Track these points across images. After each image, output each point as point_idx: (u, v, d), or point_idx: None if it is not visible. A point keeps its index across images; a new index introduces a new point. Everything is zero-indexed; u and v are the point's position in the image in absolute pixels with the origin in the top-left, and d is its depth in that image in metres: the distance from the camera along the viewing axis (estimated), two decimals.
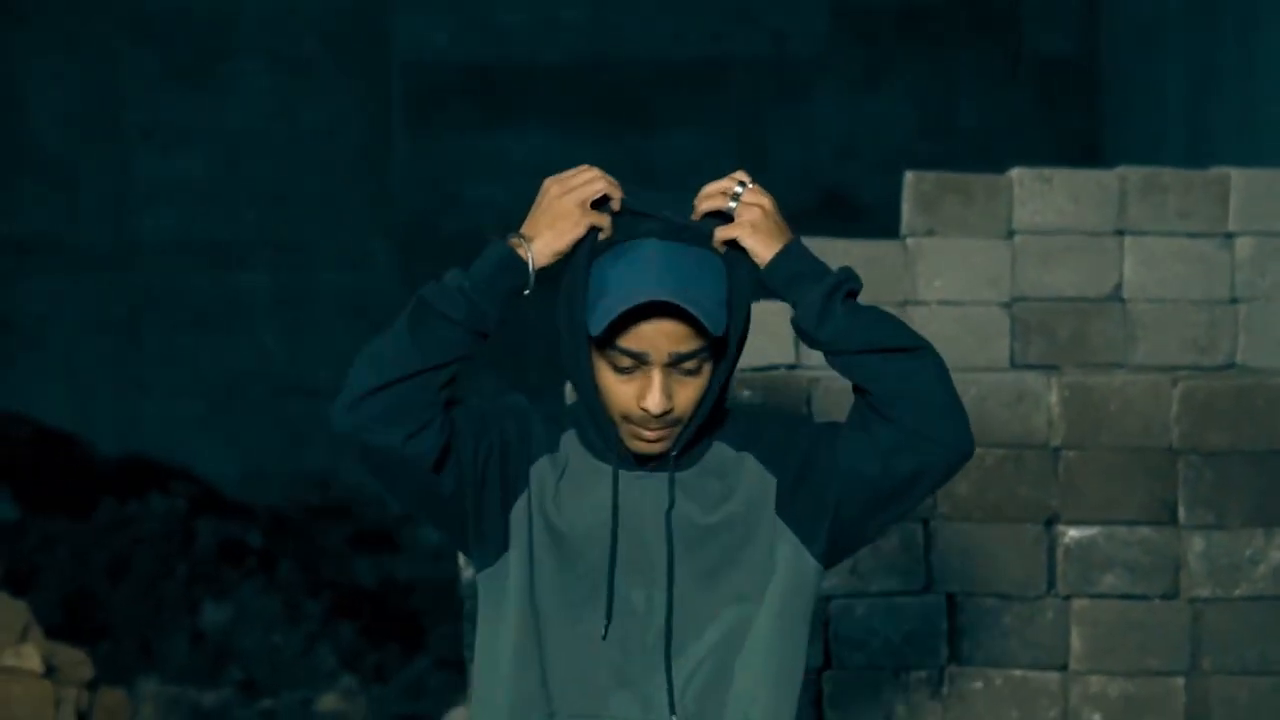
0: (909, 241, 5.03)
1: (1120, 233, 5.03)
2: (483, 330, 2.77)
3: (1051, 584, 4.72)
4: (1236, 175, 5.04)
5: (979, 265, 5.01)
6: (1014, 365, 4.98)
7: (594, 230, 2.78)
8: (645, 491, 2.84)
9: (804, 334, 2.82)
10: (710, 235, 2.79)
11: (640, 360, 2.75)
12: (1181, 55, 9.51)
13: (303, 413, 11.56)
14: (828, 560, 2.89)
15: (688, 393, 2.78)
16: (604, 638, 2.81)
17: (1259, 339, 4.99)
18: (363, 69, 11.71)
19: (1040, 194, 5.03)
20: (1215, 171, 5.09)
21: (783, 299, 2.82)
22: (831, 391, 4.69)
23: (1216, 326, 4.99)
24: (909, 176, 5.08)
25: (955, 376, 2.88)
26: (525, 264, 2.77)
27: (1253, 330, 4.99)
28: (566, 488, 2.85)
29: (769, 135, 11.52)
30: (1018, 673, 4.70)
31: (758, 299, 2.88)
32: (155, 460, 11.29)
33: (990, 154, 9.03)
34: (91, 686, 5.95)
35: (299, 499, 11.23)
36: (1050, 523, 4.74)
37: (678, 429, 2.80)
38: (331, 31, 11.72)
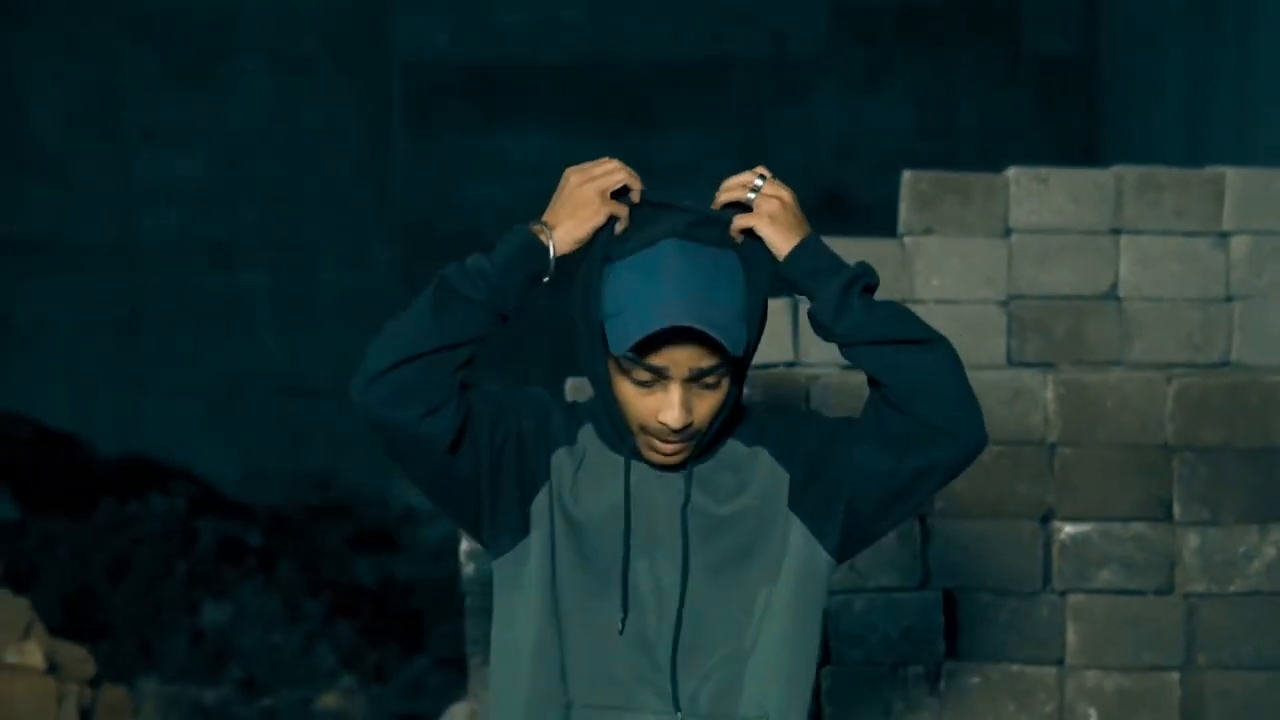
0: (906, 240, 5.05)
1: (1116, 231, 5.04)
2: (502, 312, 2.78)
3: (1047, 580, 4.74)
4: (1232, 174, 5.06)
5: (976, 264, 5.03)
6: (1010, 363, 5.00)
7: (612, 220, 2.80)
8: (660, 486, 2.85)
9: (820, 326, 2.84)
10: (729, 224, 2.81)
11: (660, 375, 2.76)
12: (1181, 56, 9.53)
13: (303, 413, 11.58)
14: (840, 554, 2.91)
15: (706, 405, 2.79)
16: (620, 632, 2.83)
17: (1254, 337, 5.01)
18: (362, 69, 11.72)
19: (1037, 193, 5.05)
20: (1211, 171, 5.10)
21: (799, 292, 2.84)
22: (830, 389, 4.71)
23: (1211, 325, 5.01)
24: (906, 176, 5.10)
25: None
26: (546, 249, 2.78)
27: (1247, 328, 5.01)
28: (584, 480, 2.86)
29: (769, 135, 11.54)
30: (1014, 668, 4.72)
31: (772, 294, 2.90)
32: (155, 460, 11.30)
33: (990, 154, 9.06)
34: (94, 684, 5.97)
35: (299, 499, 11.23)
36: (1046, 519, 4.76)
37: (695, 441, 2.82)
38: (331, 31, 11.73)
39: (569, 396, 4.37)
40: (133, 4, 11.70)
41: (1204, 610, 4.72)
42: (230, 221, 11.68)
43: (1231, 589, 4.72)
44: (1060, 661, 4.73)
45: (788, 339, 4.92)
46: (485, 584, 4.80)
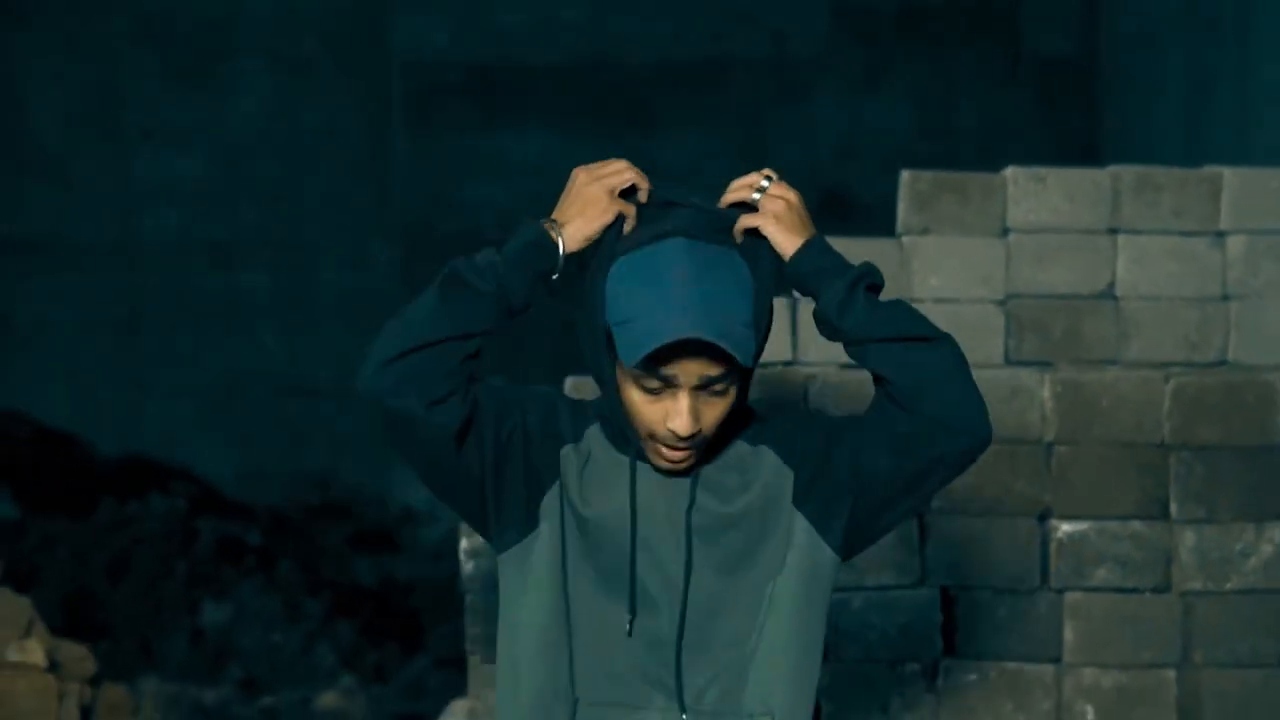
0: (905, 240, 5.06)
1: (1113, 231, 5.05)
2: (511, 306, 2.79)
3: (1045, 578, 4.75)
4: (1229, 174, 5.07)
5: (974, 263, 5.05)
6: (1008, 362, 5.01)
7: (620, 219, 2.81)
8: (666, 487, 2.85)
9: (826, 325, 2.84)
10: (735, 223, 2.81)
11: (668, 383, 2.76)
12: (1180, 56, 9.54)
13: (303, 413, 11.59)
14: (845, 552, 2.91)
15: (714, 412, 2.79)
16: (629, 634, 2.83)
17: (1250, 336, 5.02)
18: (362, 69, 11.73)
19: (1035, 193, 5.06)
20: (1208, 170, 5.12)
21: (804, 292, 2.84)
22: (828, 387, 4.72)
23: (1208, 324, 5.02)
24: (905, 175, 5.11)
25: None
26: (556, 246, 2.79)
27: (1244, 328, 5.02)
28: (590, 479, 2.87)
29: (769, 135, 11.54)
30: (1011, 665, 4.73)
31: (777, 294, 2.90)
32: (155, 460, 11.31)
33: (990, 154, 9.06)
34: (94, 682, 5.98)
35: (299, 499, 11.24)
36: (1043, 517, 4.77)
37: (702, 447, 2.82)
38: (331, 31, 11.73)
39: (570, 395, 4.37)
40: (133, 4, 11.71)
41: (1200, 608, 4.73)
42: (230, 221, 11.69)
43: (1228, 587, 4.73)
44: (1057, 659, 4.75)
45: (786, 338, 4.93)
46: (485, 583, 4.81)
